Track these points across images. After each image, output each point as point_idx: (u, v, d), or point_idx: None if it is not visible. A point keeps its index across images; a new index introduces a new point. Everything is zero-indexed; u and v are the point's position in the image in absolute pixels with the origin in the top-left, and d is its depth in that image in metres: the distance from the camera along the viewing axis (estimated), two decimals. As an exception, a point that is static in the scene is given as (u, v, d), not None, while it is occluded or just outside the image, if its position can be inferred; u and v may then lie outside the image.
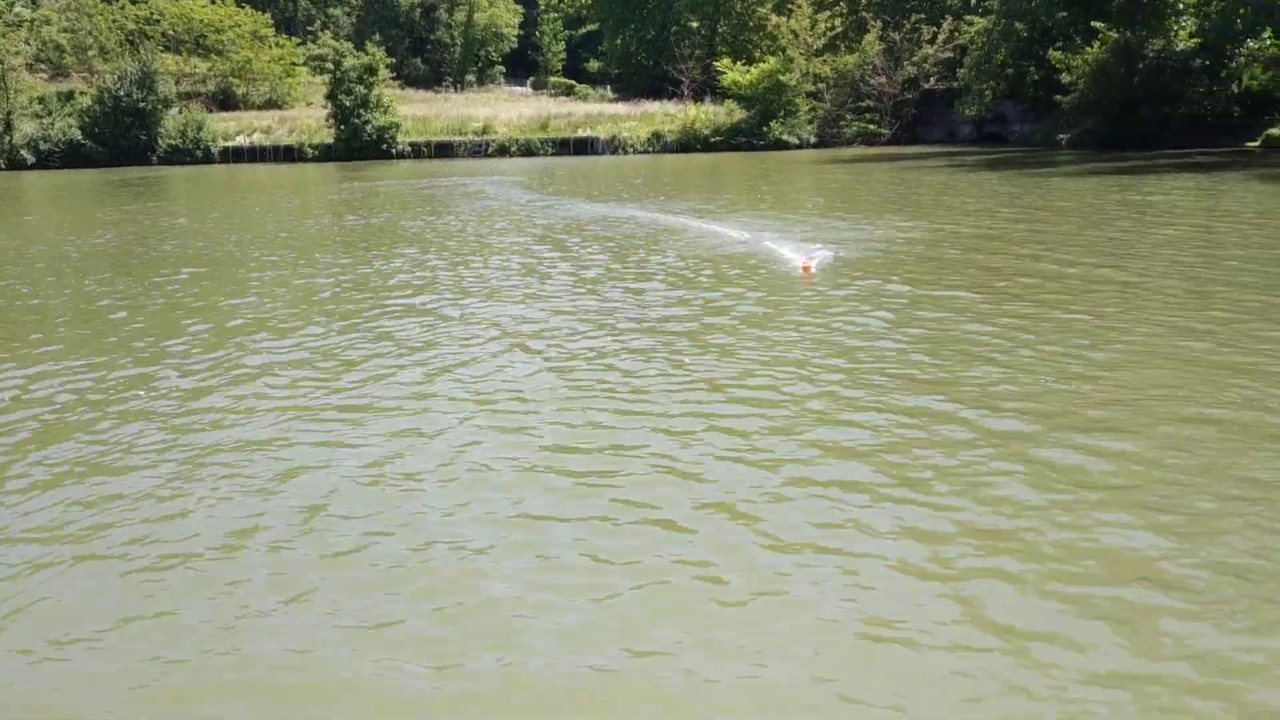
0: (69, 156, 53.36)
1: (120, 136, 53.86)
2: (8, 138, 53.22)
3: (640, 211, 22.97)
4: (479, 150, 55.64)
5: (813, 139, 55.13)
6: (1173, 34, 40.67)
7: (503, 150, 55.47)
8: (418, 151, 55.64)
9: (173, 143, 54.65)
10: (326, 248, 18.76)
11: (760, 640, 4.47)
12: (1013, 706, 3.96)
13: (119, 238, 20.78)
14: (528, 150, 55.55)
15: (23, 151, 53.00)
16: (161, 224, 23.37)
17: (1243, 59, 39.92)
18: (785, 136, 54.04)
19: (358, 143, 54.13)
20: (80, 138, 53.84)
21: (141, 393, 8.68)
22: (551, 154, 55.27)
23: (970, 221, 19.31)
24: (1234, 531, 5.34)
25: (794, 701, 4.05)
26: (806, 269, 12.90)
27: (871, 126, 55.46)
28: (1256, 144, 39.12)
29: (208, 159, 55.01)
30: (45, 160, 53.23)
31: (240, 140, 56.38)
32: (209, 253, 18.12)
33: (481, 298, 12.77)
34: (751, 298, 12.10)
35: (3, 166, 52.35)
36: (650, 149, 55.03)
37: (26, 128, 53.97)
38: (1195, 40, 39.61)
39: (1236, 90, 41.68)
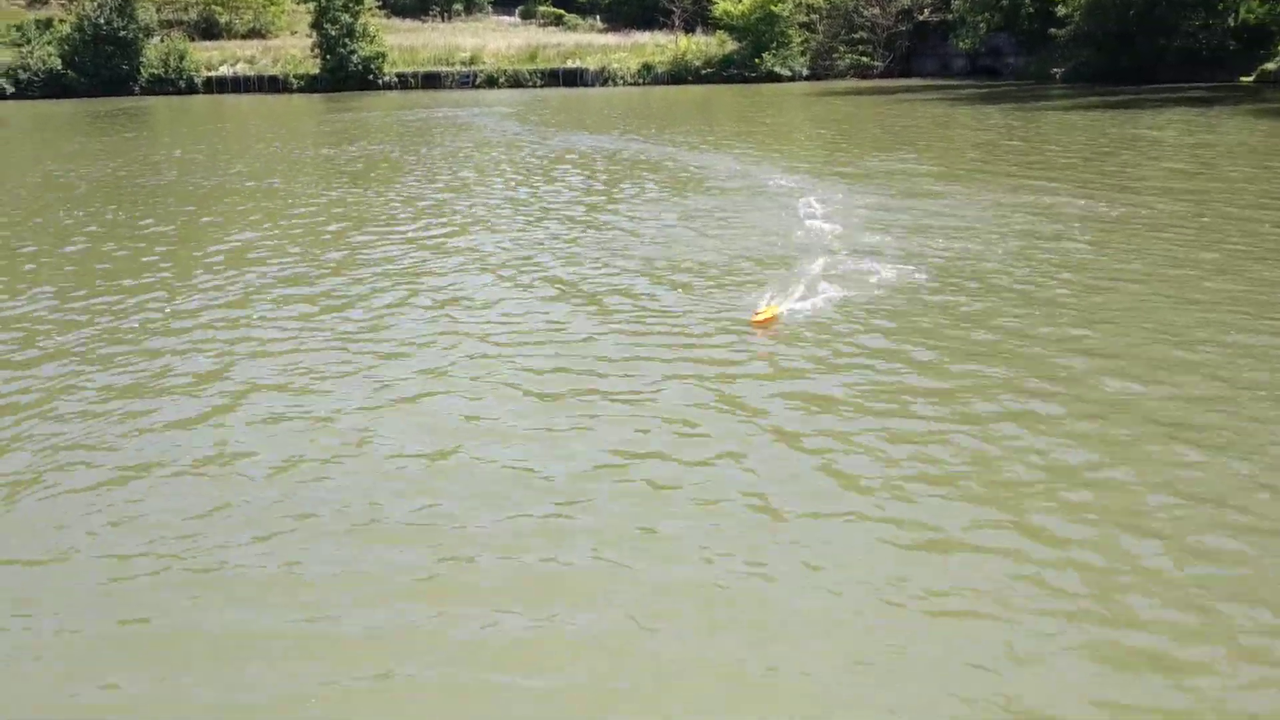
0: (49, 86, 52.35)
1: (101, 66, 52.84)
2: (-16, 66, 52.20)
3: (633, 144, 22.81)
4: (467, 81, 54.86)
5: (805, 71, 54.50)
6: (1171, -35, 40.24)
7: (491, 81, 54.71)
8: (404, 82, 54.83)
9: (155, 72, 53.68)
10: (322, 179, 18.60)
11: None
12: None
13: (114, 169, 20.55)
14: (516, 81, 54.80)
15: (1, 81, 52.00)
16: (155, 155, 23.08)
17: (1240, -9, 39.54)
18: (777, 68, 53.41)
19: (343, 73, 53.27)
20: (60, 67, 52.80)
21: (135, 323, 8.70)
22: (540, 85, 54.55)
23: (975, 154, 19.28)
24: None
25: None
26: (762, 322, 7.99)
27: (864, 59, 54.82)
28: (1250, 78, 38.94)
29: (191, 89, 54.09)
30: (24, 90, 52.21)
31: (224, 70, 55.39)
32: (205, 183, 17.96)
33: (477, 228, 12.75)
34: (751, 232, 12.10)
35: (-20, 96, 51.42)
36: (640, 80, 54.35)
37: (4, 56, 52.80)
38: (1193, -29, 39.19)
39: (1233, 23, 41.31)
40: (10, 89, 51.99)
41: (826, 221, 12.41)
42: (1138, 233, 11.41)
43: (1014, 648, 4.02)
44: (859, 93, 42.30)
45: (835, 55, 55.81)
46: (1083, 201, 13.47)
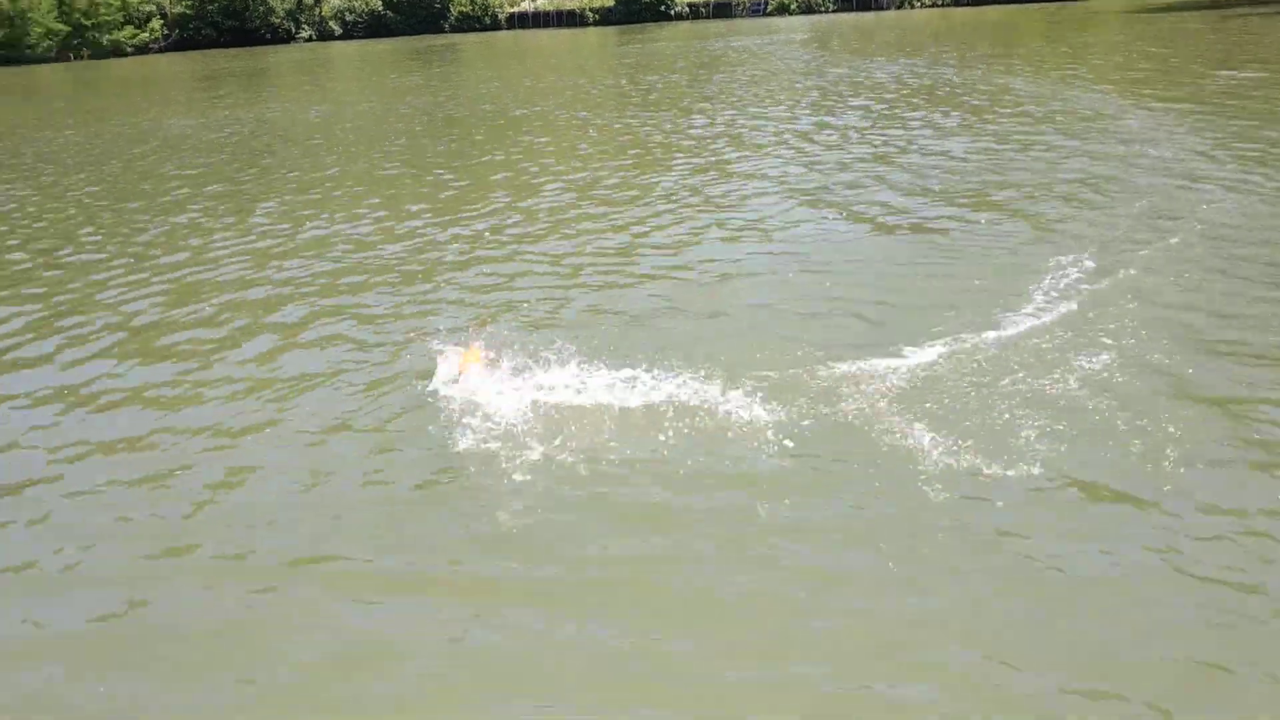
0: (372, 27, 56.66)
1: (416, 6, 56.58)
2: (317, 9, 57.03)
3: (935, 68, 21.83)
4: (758, 9, 54.44)
5: (1123, -14, 50.12)
6: None
7: (783, 8, 53.99)
8: (695, 12, 55.13)
9: (463, 10, 56.83)
10: (622, 108, 19.08)
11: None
12: None
13: (435, 101, 22.01)
14: (808, 7, 53.78)
15: (330, 23, 56.73)
16: (470, 88, 24.51)
17: None
18: (1092, -16, 49.42)
19: (637, 5, 54.24)
20: (381, 8, 56.94)
21: (462, 234, 9.27)
22: (833, 10, 53.26)
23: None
24: None
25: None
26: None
27: (1194, -31, 49.70)
28: None
29: (495, 26, 56.86)
30: (350, 31, 56.77)
31: (525, 6, 57.80)
32: (519, 113, 18.87)
33: (779, 155, 12.66)
34: (1060, 157, 11.31)
35: (314, 37, 56.28)
36: (939, 2, 51.89)
37: (334, 0, 57.63)
38: None
39: None
40: (339, 30, 56.68)
41: (1152, 147, 11.44)
42: None
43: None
44: (1186, 7, 38.43)
45: (1160, -34, 50.86)
46: None
